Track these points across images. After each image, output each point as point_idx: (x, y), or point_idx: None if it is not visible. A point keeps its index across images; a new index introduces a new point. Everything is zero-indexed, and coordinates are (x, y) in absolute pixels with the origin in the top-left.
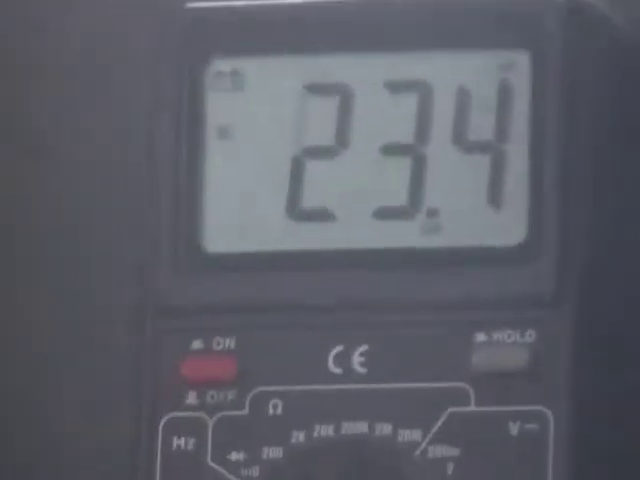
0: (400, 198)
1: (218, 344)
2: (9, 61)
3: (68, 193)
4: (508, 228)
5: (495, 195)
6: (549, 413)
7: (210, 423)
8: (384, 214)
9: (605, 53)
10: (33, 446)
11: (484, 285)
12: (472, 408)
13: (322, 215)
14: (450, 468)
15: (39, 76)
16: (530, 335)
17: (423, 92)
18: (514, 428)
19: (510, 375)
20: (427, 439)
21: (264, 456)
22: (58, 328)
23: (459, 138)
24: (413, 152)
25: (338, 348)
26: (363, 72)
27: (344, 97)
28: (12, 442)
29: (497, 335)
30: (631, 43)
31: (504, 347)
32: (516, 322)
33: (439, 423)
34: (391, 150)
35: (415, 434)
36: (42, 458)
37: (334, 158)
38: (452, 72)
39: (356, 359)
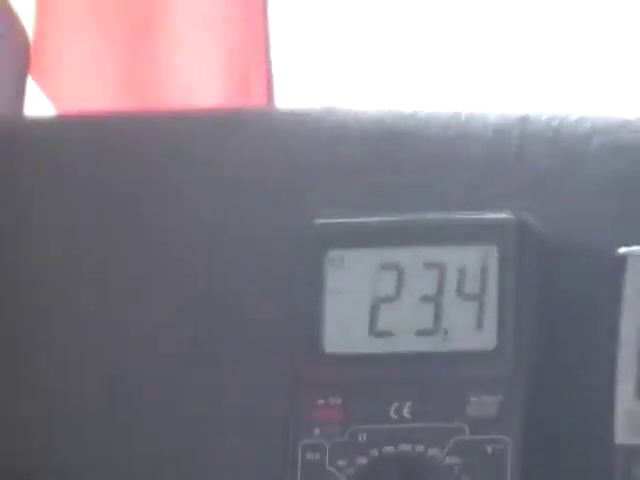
0: (429, 324)
1: (332, 401)
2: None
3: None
4: (486, 341)
5: (479, 323)
6: (509, 440)
7: (327, 445)
8: (421, 333)
9: (537, 250)
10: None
11: (475, 370)
12: (467, 437)
13: (387, 334)
14: (457, 470)
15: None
16: (498, 397)
17: (441, 268)
18: (489, 449)
19: (488, 419)
20: (444, 453)
21: (356, 462)
22: (234, 399)
23: (460, 292)
24: (435, 300)
25: (395, 404)
26: (409, 256)
27: (400, 271)
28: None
29: (481, 397)
30: (549, 247)
31: (484, 404)
32: (490, 390)
33: (450, 444)
34: (424, 298)
35: (437, 451)
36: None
37: (394, 303)
38: (456, 257)
39: (405, 410)
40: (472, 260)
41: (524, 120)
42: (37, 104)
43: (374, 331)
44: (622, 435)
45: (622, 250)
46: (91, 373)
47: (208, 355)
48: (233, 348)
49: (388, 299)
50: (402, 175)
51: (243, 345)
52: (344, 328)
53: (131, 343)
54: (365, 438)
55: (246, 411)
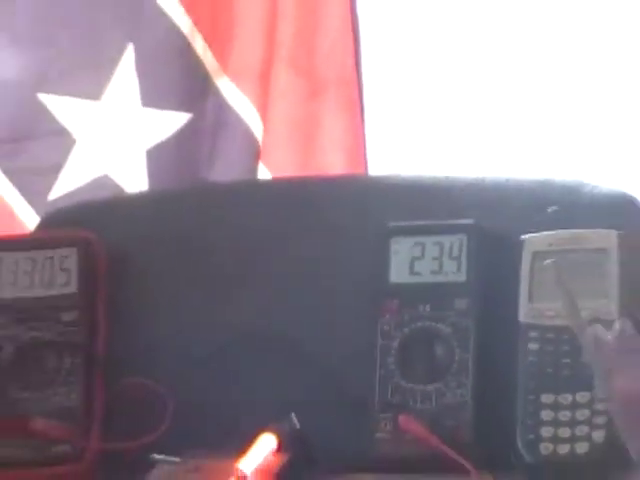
0: (438, 270)
1: (392, 304)
2: None
3: None
4: (462, 276)
5: (459, 270)
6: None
7: (391, 324)
8: (434, 272)
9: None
10: None
11: (456, 289)
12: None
13: (418, 274)
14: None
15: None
16: (465, 300)
17: (442, 246)
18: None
19: (457, 307)
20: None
21: (402, 331)
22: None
23: (451, 256)
24: (439, 259)
25: (421, 305)
26: (424, 239)
27: (422, 246)
28: None
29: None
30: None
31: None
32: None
33: (450, 323)
34: (434, 258)
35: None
36: None
37: (420, 260)
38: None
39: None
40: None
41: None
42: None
43: (412, 272)
44: (525, 313)
45: (522, 237)
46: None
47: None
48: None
49: (417, 258)
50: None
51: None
52: (398, 270)
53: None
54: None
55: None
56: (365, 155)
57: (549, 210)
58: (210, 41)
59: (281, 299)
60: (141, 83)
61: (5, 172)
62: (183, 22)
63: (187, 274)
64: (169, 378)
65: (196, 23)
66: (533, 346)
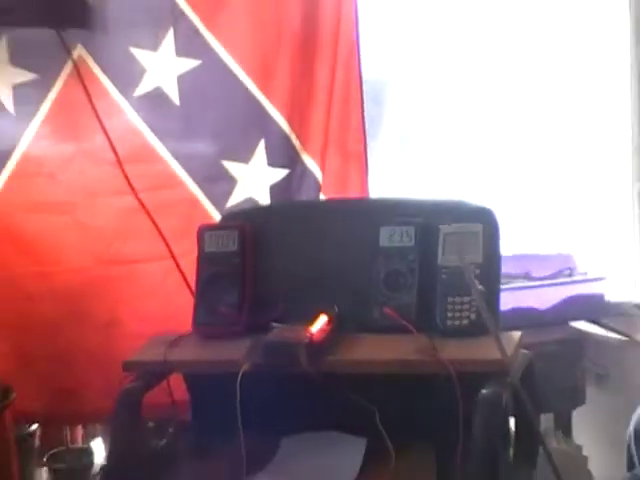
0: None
1: None
2: None
3: None
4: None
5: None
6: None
7: None
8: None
9: None
10: None
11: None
12: None
13: None
14: None
15: None
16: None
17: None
18: None
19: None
20: None
21: None
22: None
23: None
24: None
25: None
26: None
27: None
28: None
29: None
30: None
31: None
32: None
33: None
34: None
35: None
36: None
37: None
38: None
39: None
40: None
41: None
42: None
43: (390, 241)
44: (440, 261)
45: (440, 226)
46: None
47: None
48: None
49: (392, 234)
50: None
51: None
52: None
53: None
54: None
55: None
56: (368, 188)
57: (453, 214)
58: (298, 134)
59: (333, 254)
60: (267, 155)
61: (204, 192)
62: (285, 125)
63: (292, 243)
64: (282, 289)
65: (291, 124)
66: (443, 276)
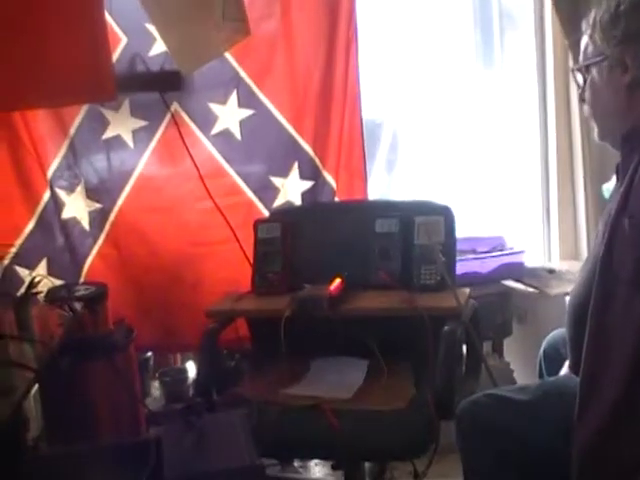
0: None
1: None
2: None
3: None
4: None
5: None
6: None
7: None
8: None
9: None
10: None
11: None
12: None
13: None
14: None
15: None
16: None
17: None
18: None
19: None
20: None
21: None
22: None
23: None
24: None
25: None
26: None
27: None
28: None
29: None
30: None
31: None
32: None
33: None
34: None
35: None
36: None
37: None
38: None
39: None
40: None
41: None
42: None
43: (382, 229)
44: (416, 241)
45: (415, 218)
46: None
47: None
48: None
49: (382, 224)
50: None
51: None
52: (377, 227)
53: None
54: (379, 242)
55: None
56: (367, 194)
57: (423, 210)
58: (320, 158)
59: (344, 238)
60: (300, 172)
61: (258, 197)
62: (311, 152)
63: (316, 230)
64: (310, 262)
65: (315, 150)
66: (417, 250)
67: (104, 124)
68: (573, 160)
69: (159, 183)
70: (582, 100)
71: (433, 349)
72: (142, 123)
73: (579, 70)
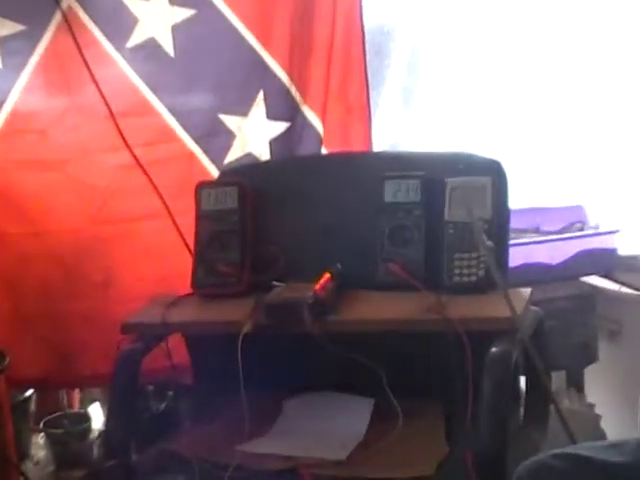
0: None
1: None
2: None
3: None
4: None
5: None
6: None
7: None
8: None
9: None
10: None
11: None
12: None
13: None
14: None
15: None
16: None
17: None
18: None
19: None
20: None
21: None
22: None
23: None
24: None
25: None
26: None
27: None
28: None
29: None
30: None
31: None
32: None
33: None
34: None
35: None
36: None
37: None
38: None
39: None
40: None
41: None
42: None
43: (395, 197)
44: (447, 216)
45: (446, 180)
46: None
47: None
48: None
49: (398, 190)
50: None
51: None
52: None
53: None
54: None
55: None
56: (371, 142)
57: (460, 166)
58: (298, 87)
59: (336, 211)
60: (267, 108)
61: (202, 148)
62: (284, 77)
63: (293, 199)
64: (284, 247)
65: (290, 76)
66: (450, 231)
67: None
68: None
69: (43, 123)
70: None
71: (474, 383)
72: (16, 27)
73: None
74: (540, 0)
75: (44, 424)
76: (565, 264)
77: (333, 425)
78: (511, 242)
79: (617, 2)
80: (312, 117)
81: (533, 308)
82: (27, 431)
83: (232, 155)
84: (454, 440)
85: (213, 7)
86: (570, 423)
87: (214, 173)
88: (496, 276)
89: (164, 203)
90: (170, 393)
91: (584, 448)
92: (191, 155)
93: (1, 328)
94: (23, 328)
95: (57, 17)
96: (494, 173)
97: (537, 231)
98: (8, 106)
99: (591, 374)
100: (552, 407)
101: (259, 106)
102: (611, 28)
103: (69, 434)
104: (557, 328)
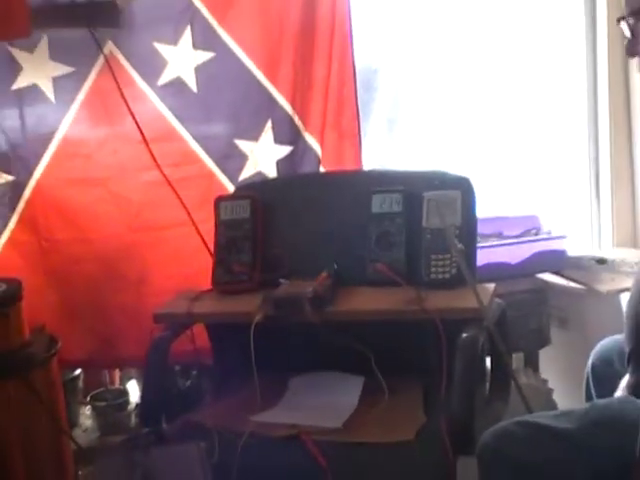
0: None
1: None
2: None
3: None
4: None
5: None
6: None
7: None
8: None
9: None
10: None
11: None
12: None
13: None
14: None
15: None
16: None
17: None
18: None
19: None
20: None
21: None
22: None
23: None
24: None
25: None
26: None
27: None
28: None
29: None
30: None
31: None
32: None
33: None
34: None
35: None
36: None
37: None
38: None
39: None
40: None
41: None
42: None
43: (381, 208)
44: (425, 223)
45: (424, 194)
46: None
47: None
48: None
49: (382, 202)
50: None
51: None
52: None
53: None
54: (378, 226)
55: None
56: (361, 162)
57: (435, 182)
58: (300, 116)
59: (332, 220)
60: (274, 134)
61: (220, 167)
62: (288, 108)
63: (296, 210)
64: (288, 250)
65: (294, 107)
66: (427, 236)
67: (15, 70)
68: (631, 122)
69: (89, 148)
70: (631, 54)
71: (447, 363)
72: (66, 69)
73: (625, 19)
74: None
75: (90, 398)
76: (523, 263)
77: (330, 398)
78: (478, 245)
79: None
80: (312, 141)
81: (497, 300)
82: (76, 404)
83: (245, 173)
84: (431, 411)
85: (229, 50)
86: (527, 396)
87: (230, 188)
88: (466, 273)
89: (189, 214)
90: (194, 372)
91: (539, 417)
92: (211, 174)
93: (54, 317)
94: (72, 318)
95: (100, 60)
96: (464, 188)
97: (499, 236)
98: (60, 134)
99: (544, 355)
100: (512, 383)
101: (268, 132)
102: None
103: (111, 406)
104: (516, 317)
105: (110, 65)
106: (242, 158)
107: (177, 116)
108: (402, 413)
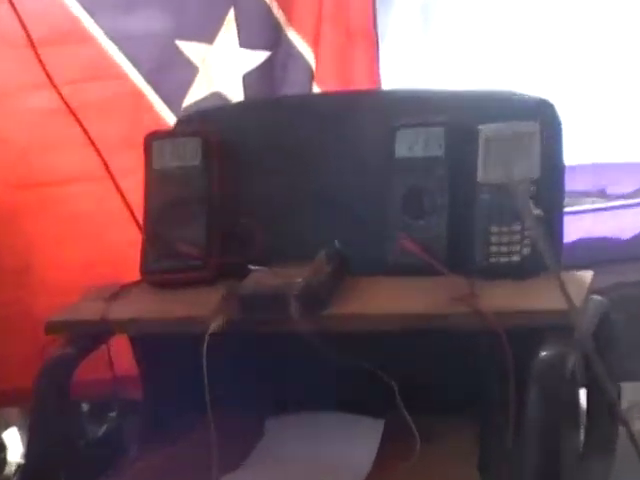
0: None
1: None
2: None
3: None
4: None
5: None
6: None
7: None
8: None
9: None
10: None
11: None
12: None
13: None
14: None
15: None
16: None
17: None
18: None
19: None
20: None
21: None
22: None
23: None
24: None
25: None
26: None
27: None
28: None
29: None
30: None
31: None
32: None
33: None
34: None
35: None
36: None
37: None
38: None
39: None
40: None
41: None
42: None
43: (410, 150)
44: (481, 176)
45: (479, 127)
46: None
47: None
48: None
49: (414, 142)
50: None
51: None
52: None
53: None
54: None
55: None
56: (379, 78)
57: (497, 109)
58: (281, 4)
59: (331, 171)
60: (239, 32)
61: (153, 86)
62: None
63: (275, 155)
64: (264, 219)
65: None
66: (484, 196)
67: None
68: None
69: None
70: None
71: (517, 397)
72: None
73: None
74: None
75: None
76: (639, 239)
77: (331, 454)
78: (567, 210)
79: None
80: (300, 44)
81: (596, 298)
82: None
83: (193, 95)
84: (488, 472)
85: None
86: None
87: (170, 120)
88: (546, 255)
89: (102, 160)
90: (112, 414)
91: None
92: (139, 95)
93: None
94: None
95: None
96: (544, 117)
97: (602, 195)
98: None
99: None
100: (621, 429)
101: (229, 30)
102: None
103: None
104: (628, 325)
105: None
106: (188, 70)
107: (84, 4)
108: (442, 473)
